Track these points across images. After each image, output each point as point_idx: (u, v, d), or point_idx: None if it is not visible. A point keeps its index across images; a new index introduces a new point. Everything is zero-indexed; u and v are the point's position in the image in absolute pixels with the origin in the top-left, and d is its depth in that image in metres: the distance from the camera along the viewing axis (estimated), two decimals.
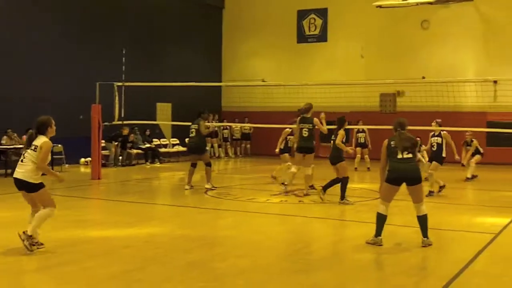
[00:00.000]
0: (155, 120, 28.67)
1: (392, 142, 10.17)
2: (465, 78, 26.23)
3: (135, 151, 26.69)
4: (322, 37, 32.77)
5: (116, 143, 25.56)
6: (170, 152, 29.69)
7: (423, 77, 26.57)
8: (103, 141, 22.95)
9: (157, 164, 26.80)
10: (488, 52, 28.62)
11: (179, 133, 29.76)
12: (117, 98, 22.12)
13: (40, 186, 9.22)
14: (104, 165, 23.17)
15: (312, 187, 17.21)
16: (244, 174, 24.01)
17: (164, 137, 30.24)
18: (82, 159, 25.07)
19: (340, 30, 32.05)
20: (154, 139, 28.85)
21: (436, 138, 16.75)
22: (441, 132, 16.68)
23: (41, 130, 9.42)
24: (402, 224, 11.90)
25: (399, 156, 10.02)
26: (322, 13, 32.67)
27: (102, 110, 20.74)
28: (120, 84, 22.26)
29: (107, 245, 9.80)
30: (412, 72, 28.09)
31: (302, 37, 33.32)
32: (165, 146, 29.91)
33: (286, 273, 8.37)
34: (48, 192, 9.43)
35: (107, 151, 25.05)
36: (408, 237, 10.28)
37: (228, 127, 31.63)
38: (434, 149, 16.77)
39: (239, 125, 31.65)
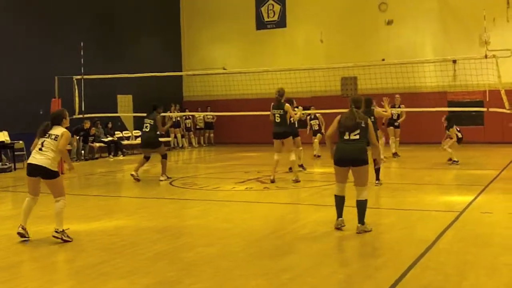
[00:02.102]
0: (116, 113, 28.46)
1: (341, 120, 9.99)
2: (425, 58, 26.42)
3: (97, 144, 26.50)
4: (281, 23, 32.77)
5: (78, 137, 25.35)
6: (133, 144, 29.53)
7: (383, 59, 26.72)
8: None
9: (120, 157, 26.64)
10: (446, 32, 28.90)
11: (141, 124, 29.59)
12: (77, 91, 21.93)
13: (57, 174, 9.64)
14: None
15: (301, 166, 18.07)
16: (209, 163, 23.98)
17: (126, 130, 30.06)
18: None
19: (298, 15, 32.09)
20: (116, 132, 28.66)
21: None
22: None
23: (57, 121, 9.83)
24: (367, 206, 11.97)
25: (346, 137, 9.85)
26: None
27: (62, 104, 20.53)
28: (79, 77, 22.05)
29: (73, 239, 9.70)
30: (372, 54, 28.27)
31: (261, 24, 33.29)
32: (127, 138, 29.74)
33: (254, 259, 8.37)
34: (62, 181, 9.97)
35: (69, 145, 24.80)
36: (374, 219, 10.34)
37: (190, 116, 31.55)
38: None
39: (202, 114, 31.60)
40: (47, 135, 9.64)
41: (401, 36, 29.71)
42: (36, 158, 9.56)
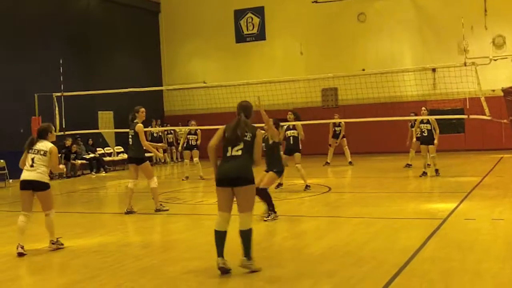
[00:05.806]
0: (97, 129, 28.37)
1: (226, 133, 8.44)
2: (404, 67, 26.53)
3: (79, 161, 26.38)
4: (260, 35, 32.88)
5: (59, 155, 25.20)
6: (115, 161, 29.44)
7: (363, 70, 26.84)
8: None
9: (103, 174, 26.53)
10: (424, 41, 29.16)
11: (122, 140, 29.51)
12: (57, 109, 21.83)
13: (48, 186, 10.16)
14: None
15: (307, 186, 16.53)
16: (192, 177, 23.89)
17: (108, 146, 29.95)
18: None
19: (277, 27, 32.21)
20: (98, 148, 28.55)
21: (425, 124, 18.93)
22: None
23: (42, 135, 10.29)
24: (350, 216, 11.99)
25: (228, 153, 8.30)
26: (259, 11, 32.79)
27: (42, 122, 20.44)
28: (59, 94, 21.96)
29: (56, 257, 9.65)
30: (352, 65, 28.41)
31: (240, 37, 33.39)
32: (109, 154, 29.63)
33: (239, 272, 8.33)
34: (51, 194, 10.38)
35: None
36: (357, 228, 10.33)
37: (172, 131, 31.48)
38: (425, 134, 18.85)
39: (183, 128, 31.53)
40: (35, 150, 10.03)
41: (380, 46, 29.88)
42: (29, 174, 9.98)
